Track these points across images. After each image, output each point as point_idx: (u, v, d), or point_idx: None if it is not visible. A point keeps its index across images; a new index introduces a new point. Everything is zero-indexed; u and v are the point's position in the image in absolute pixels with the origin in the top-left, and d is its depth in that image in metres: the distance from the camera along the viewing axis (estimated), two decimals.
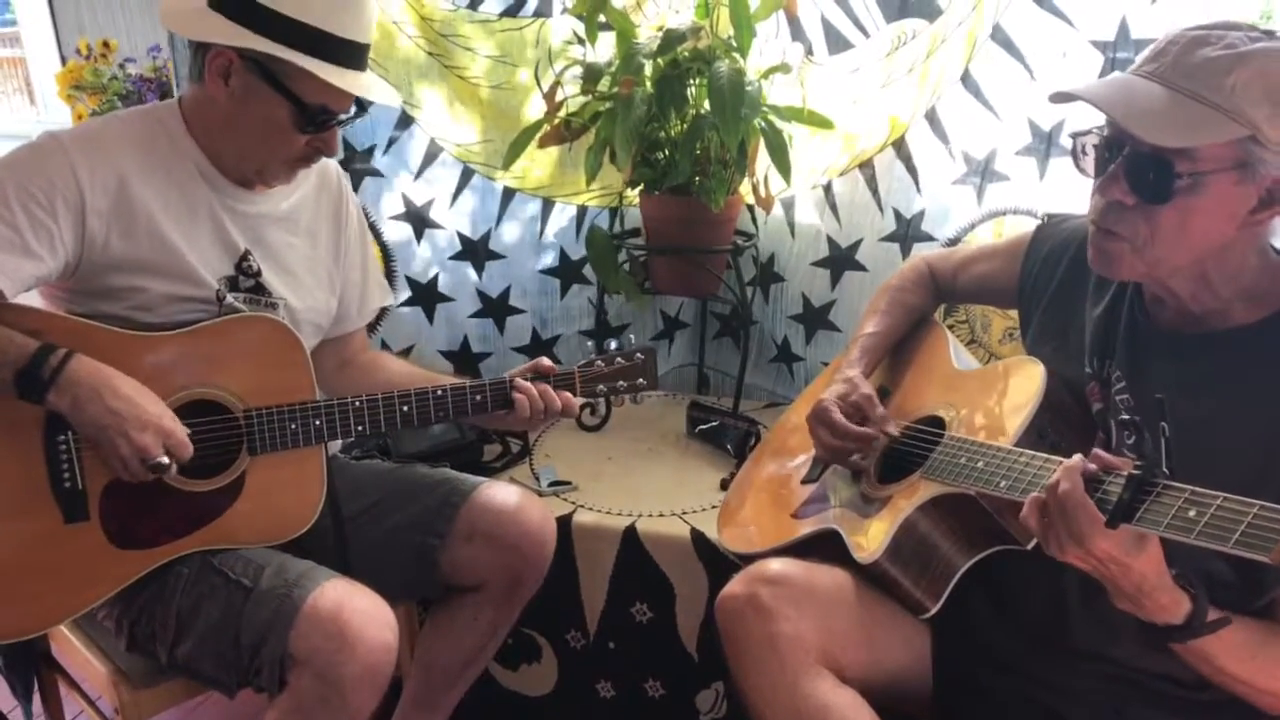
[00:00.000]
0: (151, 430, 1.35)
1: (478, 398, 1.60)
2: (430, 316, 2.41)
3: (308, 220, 1.66)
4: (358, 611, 1.40)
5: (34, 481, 1.39)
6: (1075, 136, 1.20)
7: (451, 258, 2.38)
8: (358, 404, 1.55)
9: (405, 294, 2.38)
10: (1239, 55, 1.07)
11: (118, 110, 1.55)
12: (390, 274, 2.34)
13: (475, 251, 2.38)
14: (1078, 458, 1.07)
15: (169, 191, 1.49)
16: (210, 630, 1.44)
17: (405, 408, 1.57)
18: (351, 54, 1.46)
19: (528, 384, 1.60)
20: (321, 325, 1.72)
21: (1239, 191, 1.10)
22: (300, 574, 1.44)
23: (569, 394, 1.64)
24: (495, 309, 2.44)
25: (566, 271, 2.45)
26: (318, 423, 1.53)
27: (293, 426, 1.51)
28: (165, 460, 1.36)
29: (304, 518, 1.55)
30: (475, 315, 2.45)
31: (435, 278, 2.38)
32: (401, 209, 2.31)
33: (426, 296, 2.39)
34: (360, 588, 1.45)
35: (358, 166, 2.24)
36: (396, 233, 2.34)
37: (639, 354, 1.71)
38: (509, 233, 2.39)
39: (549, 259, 2.44)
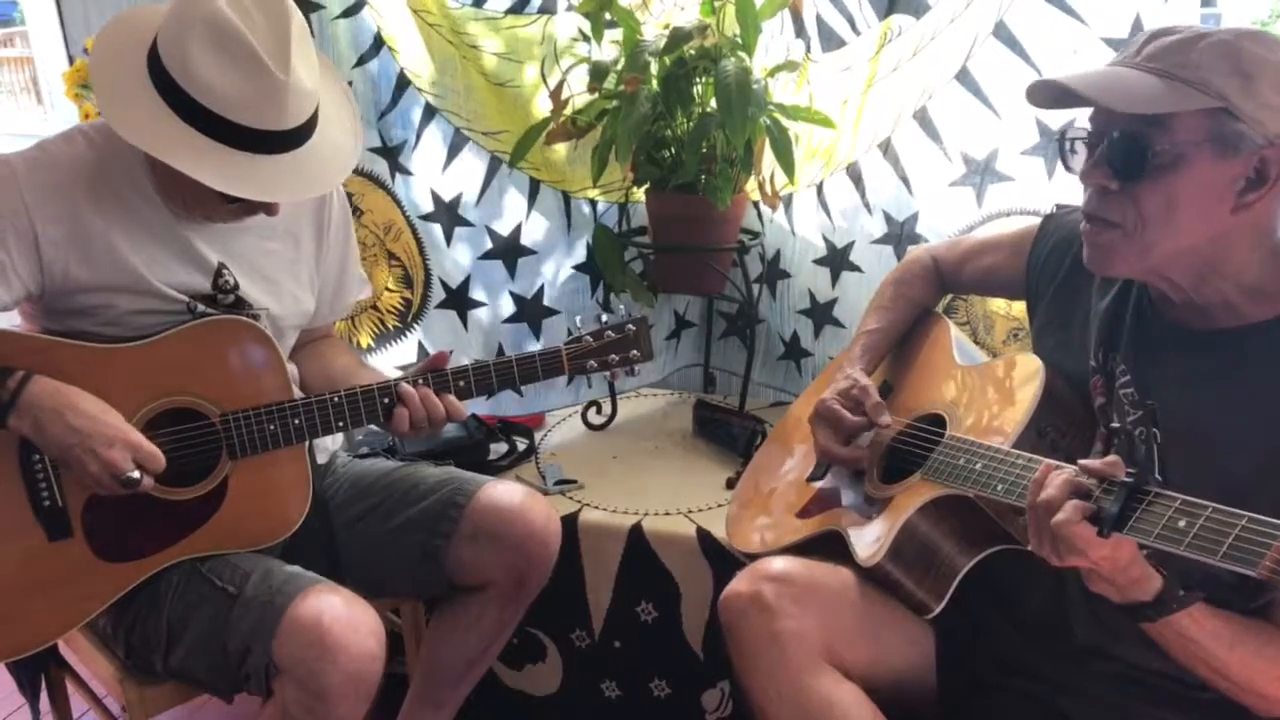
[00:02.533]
0: (119, 445, 1.34)
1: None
2: (464, 321, 2.36)
3: (287, 222, 1.61)
4: (339, 620, 1.38)
5: (14, 502, 1.39)
6: (1062, 137, 1.21)
7: (482, 257, 2.32)
8: (336, 400, 1.53)
9: (442, 295, 2.34)
10: (1200, 33, 1.11)
11: (80, 125, 1.50)
12: (428, 274, 2.31)
13: (507, 248, 2.32)
14: (1064, 478, 1.07)
15: (125, 217, 1.45)
16: (199, 638, 1.44)
17: (386, 399, 1.54)
18: (270, 141, 1.37)
19: (410, 389, 1.54)
20: (302, 325, 1.70)
21: (1221, 168, 1.10)
22: (284, 580, 1.44)
23: (452, 398, 1.56)
24: (530, 311, 2.37)
25: (595, 267, 2.39)
26: (296, 422, 1.51)
27: (271, 428, 1.50)
28: (137, 474, 1.35)
29: (291, 519, 1.54)
30: (509, 320, 2.38)
31: (467, 280, 2.33)
32: (431, 207, 2.29)
33: (459, 301, 2.34)
34: (344, 593, 1.44)
35: (389, 163, 2.22)
36: (429, 232, 2.29)
37: (629, 325, 1.66)
38: (538, 226, 2.33)
39: (578, 254, 2.39)
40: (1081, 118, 1.20)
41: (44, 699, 1.68)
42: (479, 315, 2.36)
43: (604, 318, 1.68)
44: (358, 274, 1.82)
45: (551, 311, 2.38)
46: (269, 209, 1.47)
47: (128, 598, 1.47)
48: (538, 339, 2.39)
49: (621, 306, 1.71)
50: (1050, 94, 1.17)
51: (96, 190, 1.43)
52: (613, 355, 1.66)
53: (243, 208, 1.46)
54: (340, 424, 1.54)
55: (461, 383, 1.58)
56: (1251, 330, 1.18)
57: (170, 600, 1.46)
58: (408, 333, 2.39)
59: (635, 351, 1.67)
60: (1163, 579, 1.06)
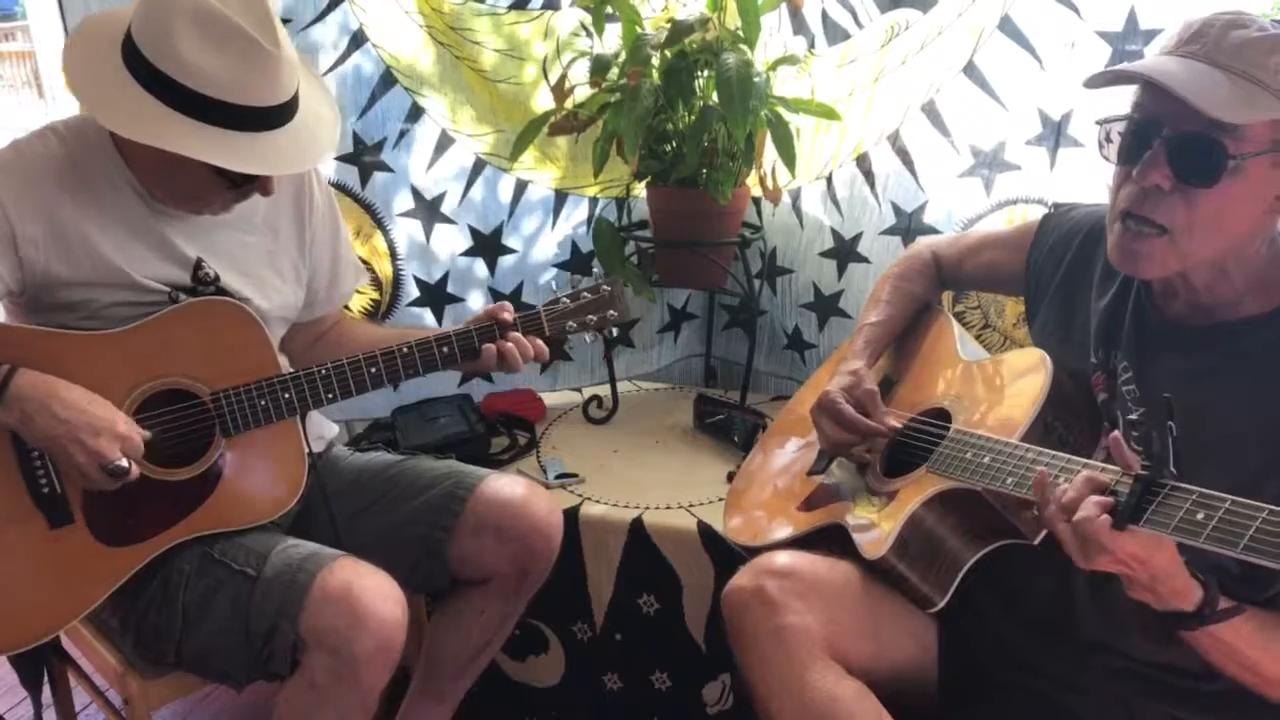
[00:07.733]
0: (106, 435, 1.34)
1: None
2: (440, 318, 2.39)
3: (265, 214, 1.62)
4: (367, 588, 1.41)
5: (13, 491, 1.39)
6: (1101, 123, 1.19)
7: (463, 254, 2.36)
8: (324, 371, 1.55)
9: (415, 294, 2.36)
10: (1278, 37, 1.08)
11: (51, 123, 1.51)
12: (398, 275, 2.34)
13: (487, 246, 2.36)
14: (1084, 475, 1.07)
15: (101, 213, 1.45)
16: (219, 624, 1.44)
17: (373, 369, 1.57)
18: (266, 117, 1.39)
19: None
20: (289, 318, 1.71)
21: (1273, 175, 1.10)
22: (305, 556, 1.45)
23: (538, 339, 1.66)
24: None
25: (578, 265, 2.43)
26: (287, 396, 1.53)
27: (262, 403, 1.51)
28: (125, 463, 1.35)
29: (290, 492, 1.56)
30: None
31: (445, 277, 2.36)
32: (411, 204, 2.30)
33: (435, 298, 2.37)
34: (367, 565, 1.46)
35: (367, 160, 2.23)
36: (406, 230, 2.32)
37: (605, 285, 1.72)
38: (521, 226, 2.37)
39: (561, 253, 2.43)
40: (1089, 105, 1.18)
41: (46, 692, 1.68)
42: (455, 311, 2.39)
43: (582, 281, 1.74)
44: (352, 260, 1.83)
45: (528, 307, 2.40)
46: (265, 188, 1.47)
47: (138, 587, 1.47)
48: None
49: (594, 269, 1.77)
50: (1112, 78, 1.15)
51: (71, 187, 1.44)
52: (590, 315, 1.71)
53: (239, 194, 1.47)
54: (330, 395, 1.56)
55: (445, 349, 1.60)
56: (1251, 323, 1.18)
57: (185, 588, 1.47)
58: None
59: (612, 311, 1.72)
60: (1204, 590, 1.05)
